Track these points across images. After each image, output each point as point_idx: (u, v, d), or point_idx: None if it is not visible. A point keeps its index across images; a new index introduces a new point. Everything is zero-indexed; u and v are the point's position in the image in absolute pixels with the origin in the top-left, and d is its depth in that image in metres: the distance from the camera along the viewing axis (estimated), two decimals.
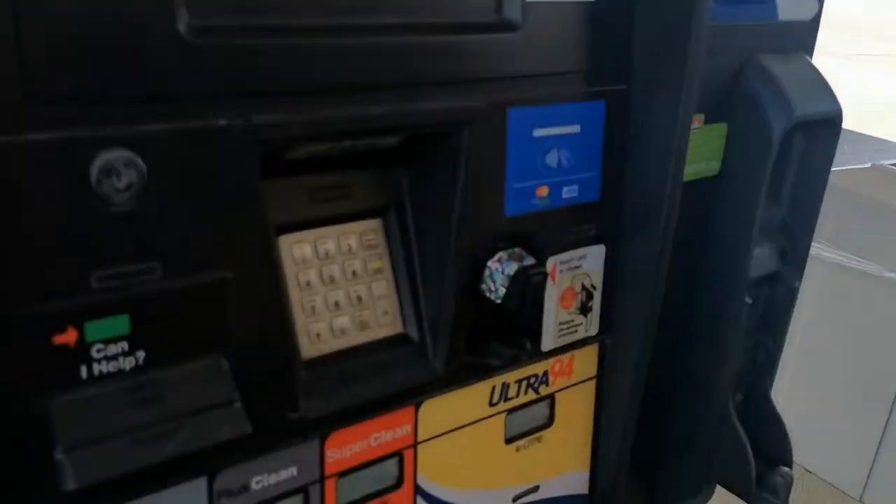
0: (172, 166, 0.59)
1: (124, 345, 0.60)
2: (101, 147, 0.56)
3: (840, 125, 1.04)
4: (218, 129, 0.61)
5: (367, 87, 0.69)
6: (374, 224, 0.80)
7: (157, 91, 0.58)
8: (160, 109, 0.58)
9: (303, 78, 0.65)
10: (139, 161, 0.57)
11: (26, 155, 0.53)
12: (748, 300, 1.04)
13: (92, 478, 0.56)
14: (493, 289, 0.81)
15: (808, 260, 1.12)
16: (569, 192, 0.86)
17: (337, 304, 0.77)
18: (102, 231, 0.57)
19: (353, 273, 0.78)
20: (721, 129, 1.00)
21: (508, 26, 0.76)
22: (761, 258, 1.08)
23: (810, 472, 3.16)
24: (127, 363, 0.61)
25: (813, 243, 1.11)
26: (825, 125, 1.04)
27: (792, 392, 3.00)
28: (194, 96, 0.60)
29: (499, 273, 0.81)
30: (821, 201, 1.10)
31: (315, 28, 0.66)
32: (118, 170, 0.56)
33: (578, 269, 0.90)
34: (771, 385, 1.17)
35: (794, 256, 1.11)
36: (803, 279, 1.11)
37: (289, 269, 0.74)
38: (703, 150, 0.99)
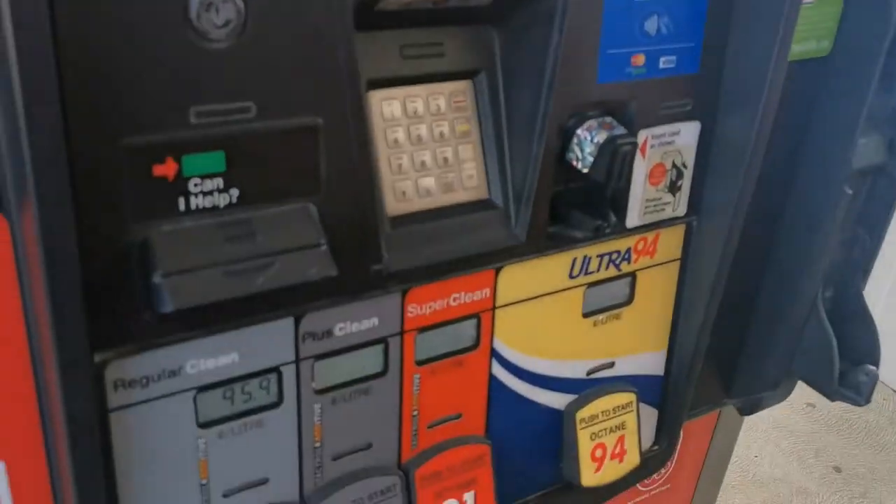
0: (269, 5, 0.59)
1: (219, 181, 0.62)
2: None
3: None
4: None
5: None
6: (463, 86, 0.79)
7: None
8: None
9: None
10: None
11: None
12: (848, 191, 1.00)
13: (187, 302, 0.59)
14: (580, 157, 0.80)
15: None
16: (666, 63, 0.83)
17: (423, 164, 0.77)
18: (201, 67, 0.58)
19: (441, 134, 0.78)
20: (836, 5, 0.94)
21: None
22: (867, 148, 1.02)
23: None
24: (221, 200, 0.63)
25: None
26: None
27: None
28: None
29: (587, 141, 0.79)
30: None
31: None
32: (217, 5, 0.57)
33: (670, 145, 0.88)
34: (864, 283, 1.13)
35: None
36: None
37: (377, 125, 0.75)
38: (815, 28, 0.94)
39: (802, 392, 3.02)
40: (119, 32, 0.55)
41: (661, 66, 0.83)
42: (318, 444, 0.77)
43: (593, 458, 0.96)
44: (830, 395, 1.11)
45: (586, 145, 0.79)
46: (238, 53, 0.60)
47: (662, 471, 1.36)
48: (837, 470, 2.75)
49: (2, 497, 0.65)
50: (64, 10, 0.52)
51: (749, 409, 1.23)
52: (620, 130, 0.80)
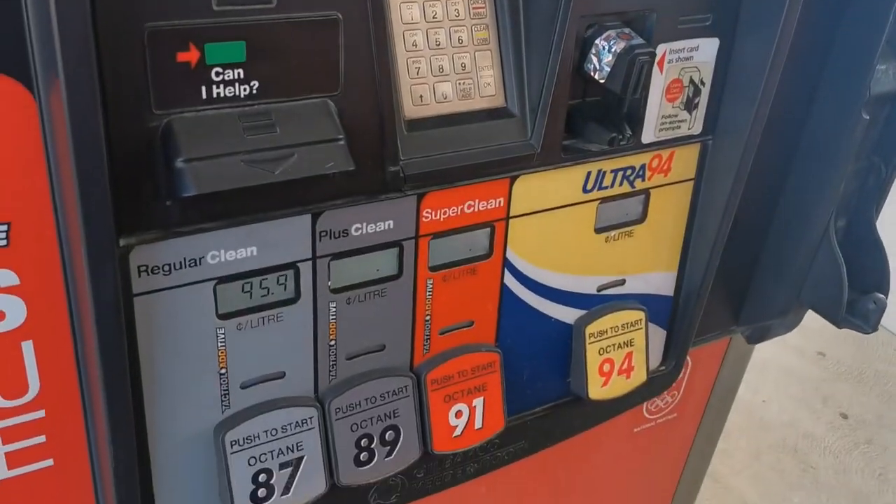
0: None
1: (240, 72, 0.63)
2: None
3: None
4: None
5: None
6: None
7: None
8: None
9: None
10: None
11: None
12: (865, 116, 1.00)
13: (209, 187, 0.61)
14: (598, 67, 0.80)
15: None
16: None
17: (441, 69, 0.78)
18: None
19: (459, 40, 0.79)
20: None
21: None
22: (886, 74, 1.02)
23: None
24: (242, 90, 0.64)
25: None
26: None
27: None
28: None
29: (605, 51, 0.80)
30: None
31: None
32: None
33: (689, 60, 0.88)
34: (877, 213, 1.13)
35: None
36: None
37: (397, 28, 0.75)
38: None
39: (813, 340, 3.04)
40: None
41: None
42: (332, 343, 0.79)
43: (601, 373, 0.98)
44: (838, 323, 1.13)
45: (604, 55, 0.80)
46: None
47: (669, 399, 1.39)
48: (844, 417, 2.78)
49: (29, 374, 0.68)
50: None
51: (757, 337, 1.25)
52: (639, 41, 0.80)
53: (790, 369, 2.99)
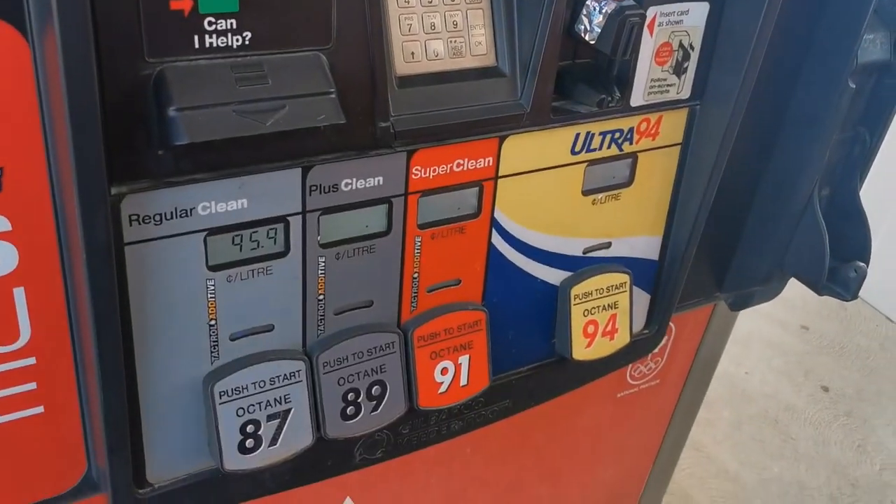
0: None
1: (233, 22, 0.64)
2: None
3: None
4: None
5: None
6: None
7: None
8: None
9: None
10: None
11: None
12: (852, 85, 1.01)
13: (201, 136, 0.61)
14: (588, 28, 0.81)
15: None
16: None
17: (433, 27, 0.78)
18: None
19: None
20: None
21: None
22: (873, 44, 1.03)
23: (891, 321, 3.15)
24: (234, 41, 0.64)
25: None
26: None
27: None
28: None
29: (596, 12, 0.80)
30: None
31: None
32: None
33: (679, 24, 0.88)
34: (860, 183, 1.15)
35: None
36: None
37: None
38: None
39: (797, 314, 3.07)
40: None
41: None
42: (321, 297, 0.80)
43: (585, 334, 0.99)
44: (819, 290, 1.14)
45: (595, 16, 0.80)
46: None
47: (653, 365, 1.41)
48: (825, 389, 2.82)
49: (21, 321, 0.69)
50: None
51: (739, 304, 1.27)
52: (630, 2, 0.80)
53: (773, 342, 3.03)
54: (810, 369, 2.92)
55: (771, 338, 3.05)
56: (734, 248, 1.18)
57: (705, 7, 0.89)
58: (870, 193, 1.17)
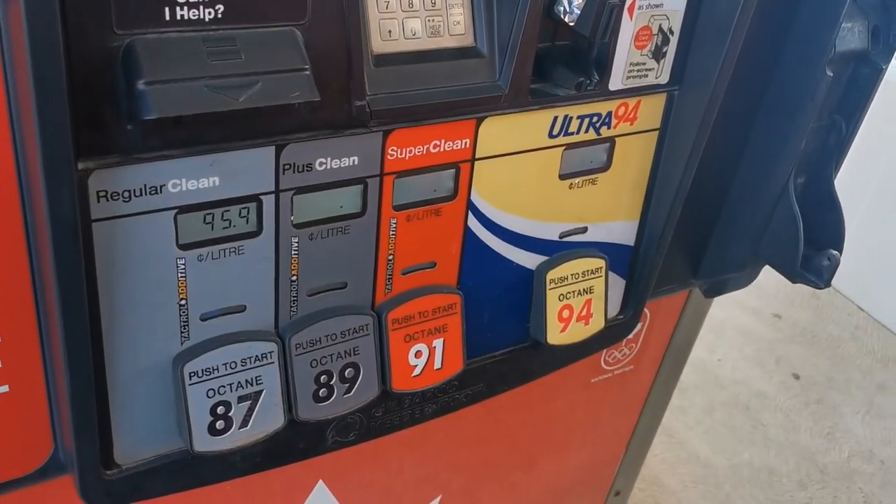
0: None
1: None
2: None
3: None
4: None
5: None
6: None
7: None
8: None
9: None
10: None
11: None
12: (829, 73, 1.01)
13: (171, 111, 0.60)
14: (568, 9, 0.80)
15: None
16: None
17: (411, 5, 0.77)
18: None
19: None
20: None
21: None
22: (851, 32, 1.03)
23: (862, 310, 3.19)
24: (207, 14, 0.63)
25: None
26: None
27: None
28: None
29: None
30: None
31: None
32: None
33: (659, 8, 0.88)
34: (835, 171, 1.15)
35: (885, 36, 1.06)
36: None
37: None
38: None
39: (770, 303, 3.10)
40: None
41: None
42: (294, 278, 0.79)
43: (560, 319, 0.99)
44: (793, 277, 1.15)
45: None
46: None
47: (627, 351, 1.41)
48: (796, 377, 2.85)
49: None
50: None
51: (714, 291, 1.27)
52: None
53: (746, 330, 3.05)
54: (782, 357, 2.95)
55: (744, 326, 3.08)
56: (709, 235, 1.18)
57: None
58: (843, 183, 1.17)
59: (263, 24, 0.66)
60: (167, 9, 0.61)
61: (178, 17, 0.62)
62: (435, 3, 0.79)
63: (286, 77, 0.65)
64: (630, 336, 1.19)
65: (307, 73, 0.66)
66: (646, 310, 1.26)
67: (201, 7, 0.62)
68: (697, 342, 1.54)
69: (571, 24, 0.80)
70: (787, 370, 2.88)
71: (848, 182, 1.29)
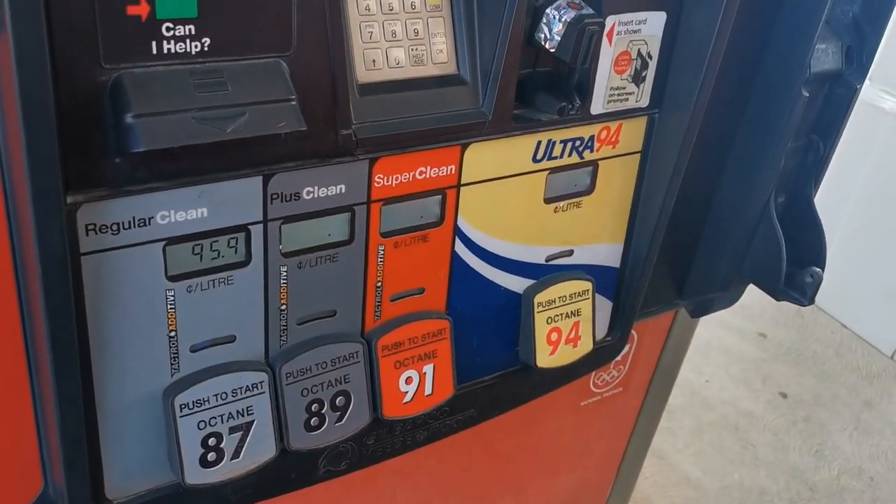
0: None
1: (191, 27, 0.63)
2: None
3: None
4: None
5: None
6: None
7: None
8: None
9: None
10: None
11: None
12: (805, 94, 1.03)
13: (159, 143, 0.60)
14: (548, 36, 0.81)
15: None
16: None
17: (394, 35, 0.78)
18: None
19: (412, 6, 0.79)
20: None
21: None
22: (825, 53, 1.05)
23: (846, 328, 3.21)
24: (193, 47, 0.63)
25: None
26: None
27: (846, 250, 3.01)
28: None
29: (556, 20, 0.81)
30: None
31: None
32: None
33: (637, 33, 0.89)
34: (815, 189, 1.17)
35: (859, 57, 1.08)
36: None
37: None
38: None
39: (755, 322, 3.11)
40: None
41: None
42: (283, 307, 0.79)
43: (548, 342, 1.00)
44: (776, 295, 1.16)
45: (554, 24, 0.81)
46: None
47: (615, 373, 1.42)
48: (783, 396, 2.86)
49: None
50: None
51: (700, 310, 1.28)
52: (588, 11, 0.81)
53: (732, 350, 3.06)
54: (768, 376, 2.96)
55: (729, 346, 3.09)
56: (693, 255, 1.19)
57: (663, 17, 0.90)
58: (824, 200, 1.19)
59: (249, 56, 0.66)
60: (154, 43, 0.62)
61: (166, 51, 0.62)
62: (418, 32, 0.80)
63: (273, 108, 0.66)
64: (618, 358, 1.20)
65: (293, 103, 0.67)
66: (633, 331, 1.27)
67: (188, 40, 0.63)
68: (684, 363, 1.54)
69: (552, 50, 0.82)
70: (774, 389, 2.89)
71: (828, 199, 1.31)
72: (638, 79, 0.93)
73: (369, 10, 0.77)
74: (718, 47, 0.92)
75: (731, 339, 3.12)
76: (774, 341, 3.15)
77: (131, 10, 0.60)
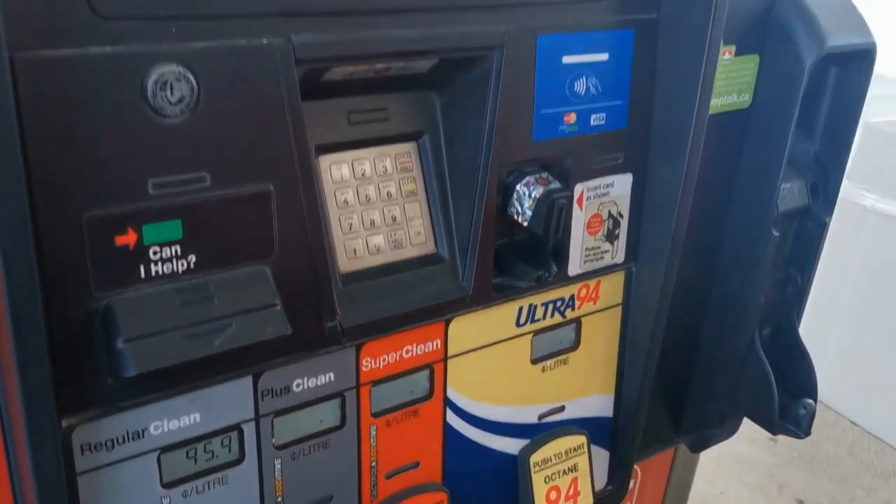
0: (220, 81, 0.64)
1: (177, 248, 0.66)
2: (157, 61, 0.61)
3: (874, 58, 1.05)
4: (261, 47, 0.65)
5: (401, 10, 0.73)
6: (408, 147, 0.84)
7: (207, 10, 0.62)
8: (209, 27, 0.63)
9: (343, 1, 0.69)
10: (190, 75, 0.62)
11: (90, 67, 0.58)
12: (776, 233, 1.07)
13: (150, 366, 0.62)
14: (520, 211, 0.85)
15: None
16: (597, 120, 0.89)
17: (373, 223, 0.82)
18: (157, 141, 0.62)
19: (388, 194, 0.83)
20: (753, 60, 1.02)
21: None
22: (791, 192, 1.09)
23: (856, 425, 3.17)
24: (180, 266, 0.66)
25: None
26: (858, 57, 1.05)
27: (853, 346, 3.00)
28: (241, 15, 0.64)
29: (526, 196, 0.84)
30: (853, 136, 1.11)
31: None
32: (171, 83, 0.61)
33: (606, 196, 0.93)
34: (799, 319, 1.19)
35: (824, 191, 1.12)
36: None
37: (328, 187, 0.79)
38: (735, 83, 1.01)
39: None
40: (80, 114, 0.59)
41: (592, 123, 0.89)
42: (279, 499, 0.79)
43: (548, 501, 0.99)
44: (772, 429, 1.16)
45: (525, 200, 0.84)
46: (191, 126, 0.64)
47: None
48: (800, 503, 2.80)
49: None
50: (28, 93, 0.56)
51: (699, 446, 1.28)
52: (556, 185, 0.85)
53: (744, 457, 3.01)
54: (783, 482, 2.90)
55: (741, 453, 3.04)
56: (686, 393, 1.20)
57: (629, 177, 0.94)
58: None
59: (234, 267, 0.69)
60: (142, 267, 0.64)
61: (153, 273, 0.65)
62: (395, 217, 0.83)
63: (258, 315, 0.68)
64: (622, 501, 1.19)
65: (278, 308, 0.69)
66: (636, 467, 1.26)
67: (174, 260, 0.66)
68: (697, 476, 1.52)
69: (525, 224, 0.85)
70: (791, 496, 2.83)
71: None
72: (612, 237, 0.96)
73: (347, 203, 0.80)
74: (686, 199, 0.95)
75: (743, 446, 3.07)
76: (786, 444, 3.10)
77: (120, 240, 0.63)
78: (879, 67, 1.07)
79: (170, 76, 0.61)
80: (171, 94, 0.61)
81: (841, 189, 1.15)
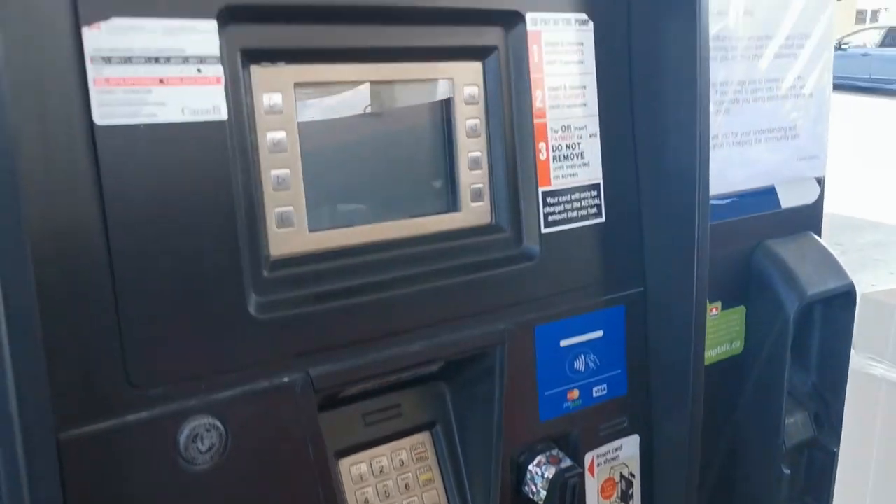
0: (246, 424, 0.69)
1: None
2: (188, 416, 0.66)
3: (854, 297, 1.11)
4: (283, 385, 0.71)
5: (408, 330, 0.79)
6: (422, 437, 0.88)
7: (233, 363, 0.69)
8: (235, 377, 0.69)
9: (353, 332, 0.76)
10: (219, 424, 0.67)
11: (127, 434, 0.64)
12: (786, 471, 1.09)
13: None
14: (535, 491, 0.88)
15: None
16: (598, 391, 0.94)
17: None
18: (189, 489, 0.67)
19: (406, 486, 0.86)
20: (739, 311, 1.08)
21: (528, 257, 0.87)
22: (795, 426, 1.12)
23: None
24: None
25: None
26: (840, 298, 1.11)
27: None
28: (262, 361, 0.70)
29: (539, 476, 0.88)
30: (847, 366, 1.15)
31: (364, 286, 0.77)
32: (202, 434, 0.66)
33: (616, 459, 0.96)
34: None
35: (828, 421, 1.15)
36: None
37: (348, 487, 0.83)
38: (725, 334, 1.07)
39: None
40: (118, 475, 0.64)
41: (595, 394, 0.94)
42: None
43: None
44: None
45: (538, 480, 0.88)
46: (220, 470, 0.68)
47: None
48: None
49: None
50: (73, 471, 0.61)
51: None
52: (567, 463, 0.88)
53: None
54: None
55: None
56: None
57: (635, 439, 0.98)
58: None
59: None
60: None
61: None
62: None
63: None
64: None
65: None
66: None
67: None
68: None
69: (540, 503, 0.88)
70: None
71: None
72: (626, 498, 0.98)
73: (368, 501, 0.83)
74: (694, 452, 0.98)
75: None
76: None
77: None
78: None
79: (200, 429, 0.66)
80: (202, 444, 0.66)
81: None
